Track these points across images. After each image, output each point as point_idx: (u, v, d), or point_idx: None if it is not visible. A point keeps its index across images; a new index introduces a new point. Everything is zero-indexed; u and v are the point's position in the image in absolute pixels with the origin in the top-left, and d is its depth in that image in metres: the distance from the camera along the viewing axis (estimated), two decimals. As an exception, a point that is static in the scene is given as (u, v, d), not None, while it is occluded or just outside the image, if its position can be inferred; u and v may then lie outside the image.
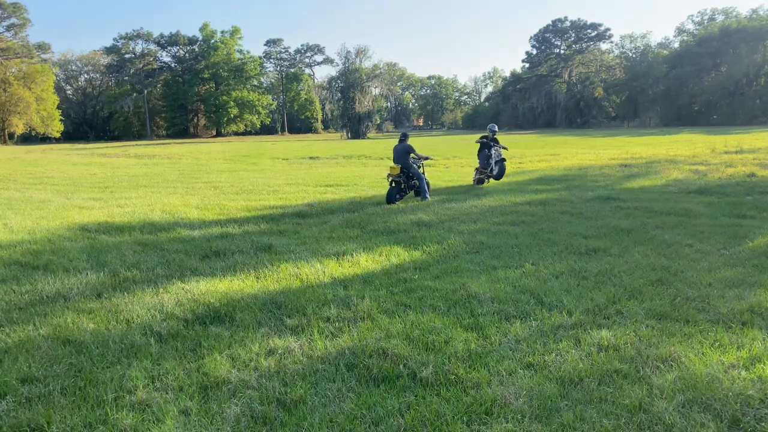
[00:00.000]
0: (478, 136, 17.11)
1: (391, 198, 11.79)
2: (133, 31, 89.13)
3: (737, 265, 6.24)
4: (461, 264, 6.54)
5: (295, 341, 4.32)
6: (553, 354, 4.00)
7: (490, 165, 14.71)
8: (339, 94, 77.17)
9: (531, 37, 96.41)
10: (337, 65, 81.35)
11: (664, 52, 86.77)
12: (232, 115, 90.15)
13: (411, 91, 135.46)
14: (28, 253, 7.44)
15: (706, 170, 16.46)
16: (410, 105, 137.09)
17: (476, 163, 15.59)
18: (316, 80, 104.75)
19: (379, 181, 16.47)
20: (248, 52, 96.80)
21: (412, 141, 13.02)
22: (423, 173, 12.42)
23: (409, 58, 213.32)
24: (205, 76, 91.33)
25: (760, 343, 4.10)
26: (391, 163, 12.47)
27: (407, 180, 12.17)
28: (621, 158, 22.13)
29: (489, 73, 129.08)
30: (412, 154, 12.23)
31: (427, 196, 12.14)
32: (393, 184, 12.00)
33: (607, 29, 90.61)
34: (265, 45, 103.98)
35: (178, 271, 6.43)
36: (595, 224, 8.84)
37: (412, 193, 12.47)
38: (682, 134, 44.27)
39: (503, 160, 15.59)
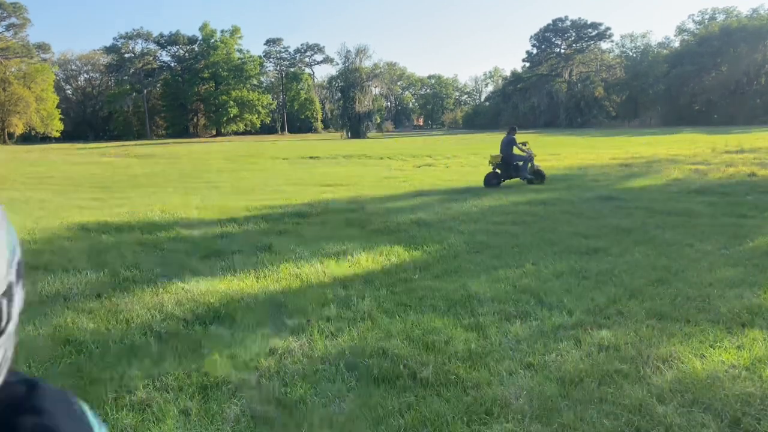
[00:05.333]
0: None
1: (487, 181, 13.41)
2: (133, 30, 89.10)
3: (738, 265, 6.22)
4: (461, 264, 6.53)
5: (295, 341, 4.32)
6: (554, 354, 3.99)
7: None
8: (339, 94, 77.07)
9: (531, 37, 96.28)
10: (337, 65, 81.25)
11: (665, 51, 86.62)
12: (232, 115, 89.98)
13: (411, 90, 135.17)
14: (27, 253, 7.41)
15: (706, 170, 16.44)
16: (410, 104, 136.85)
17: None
18: (316, 80, 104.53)
19: (379, 180, 16.46)
20: (248, 51, 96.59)
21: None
22: (527, 165, 14.12)
23: (409, 57, 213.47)
24: (205, 75, 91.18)
25: (760, 343, 4.09)
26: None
27: (506, 168, 13.75)
28: (621, 158, 22.11)
29: (489, 72, 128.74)
30: (515, 147, 13.95)
31: (525, 175, 13.95)
32: (493, 169, 13.66)
33: (608, 28, 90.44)
34: (265, 44, 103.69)
35: (178, 271, 6.43)
36: (595, 224, 8.84)
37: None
38: (682, 134, 44.21)
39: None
